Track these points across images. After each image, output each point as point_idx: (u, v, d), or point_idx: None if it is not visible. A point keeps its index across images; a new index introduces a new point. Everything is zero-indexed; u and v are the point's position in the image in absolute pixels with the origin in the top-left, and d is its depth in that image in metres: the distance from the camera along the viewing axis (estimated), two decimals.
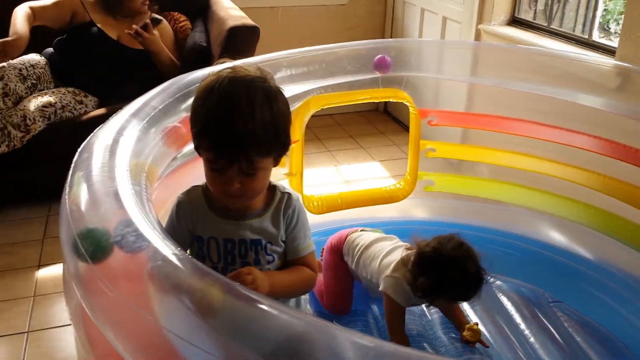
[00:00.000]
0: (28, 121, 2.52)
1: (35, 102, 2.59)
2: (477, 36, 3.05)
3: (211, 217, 1.23)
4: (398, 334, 1.69)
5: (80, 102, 2.72)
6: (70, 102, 2.68)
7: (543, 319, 1.90)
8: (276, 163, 1.19)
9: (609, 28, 2.58)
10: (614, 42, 2.38)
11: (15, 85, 2.62)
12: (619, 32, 2.23)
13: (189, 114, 1.17)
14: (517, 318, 1.91)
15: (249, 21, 2.81)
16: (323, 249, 2.01)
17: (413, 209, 2.45)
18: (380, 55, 2.07)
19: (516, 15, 2.95)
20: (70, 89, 2.74)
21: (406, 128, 3.65)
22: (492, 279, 2.08)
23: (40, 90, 2.71)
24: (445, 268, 1.59)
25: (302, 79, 1.95)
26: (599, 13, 2.51)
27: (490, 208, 2.36)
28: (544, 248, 2.18)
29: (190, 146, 1.56)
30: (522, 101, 2.22)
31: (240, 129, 1.07)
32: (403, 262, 1.69)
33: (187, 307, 0.86)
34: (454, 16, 3.25)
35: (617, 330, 1.87)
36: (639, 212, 1.92)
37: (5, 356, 1.93)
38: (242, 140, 1.08)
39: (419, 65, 2.20)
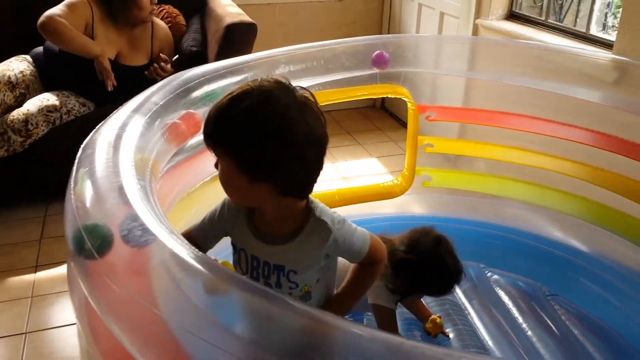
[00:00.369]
0: (30, 126, 2.46)
1: (38, 105, 2.51)
2: (475, 31, 3.05)
3: (246, 231, 1.23)
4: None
5: (83, 105, 2.66)
6: (74, 107, 2.62)
7: (540, 312, 1.92)
8: (251, 178, 1.08)
9: (606, 21, 2.59)
10: (611, 36, 2.39)
11: (4, 95, 2.54)
12: (617, 25, 2.23)
13: (188, 110, 1.17)
14: (515, 311, 1.93)
15: (246, 18, 2.80)
16: None
17: (411, 205, 2.45)
18: (378, 51, 2.07)
19: (514, 9, 2.95)
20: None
21: (403, 124, 3.66)
22: (489, 273, 2.10)
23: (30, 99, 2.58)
24: (425, 268, 1.58)
25: (300, 76, 1.94)
26: (596, 7, 2.52)
27: (487, 203, 2.36)
28: (541, 242, 2.19)
29: (190, 142, 1.57)
30: (520, 96, 2.22)
31: (224, 114, 1.07)
32: None
33: (193, 301, 0.87)
34: (452, 11, 3.26)
35: (613, 321, 1.89)
36: (635, 205, 1.94)
37: (4, 357, 1.92)
38: (216, 121, 1.08)
39: (417, 61, 2.20)
